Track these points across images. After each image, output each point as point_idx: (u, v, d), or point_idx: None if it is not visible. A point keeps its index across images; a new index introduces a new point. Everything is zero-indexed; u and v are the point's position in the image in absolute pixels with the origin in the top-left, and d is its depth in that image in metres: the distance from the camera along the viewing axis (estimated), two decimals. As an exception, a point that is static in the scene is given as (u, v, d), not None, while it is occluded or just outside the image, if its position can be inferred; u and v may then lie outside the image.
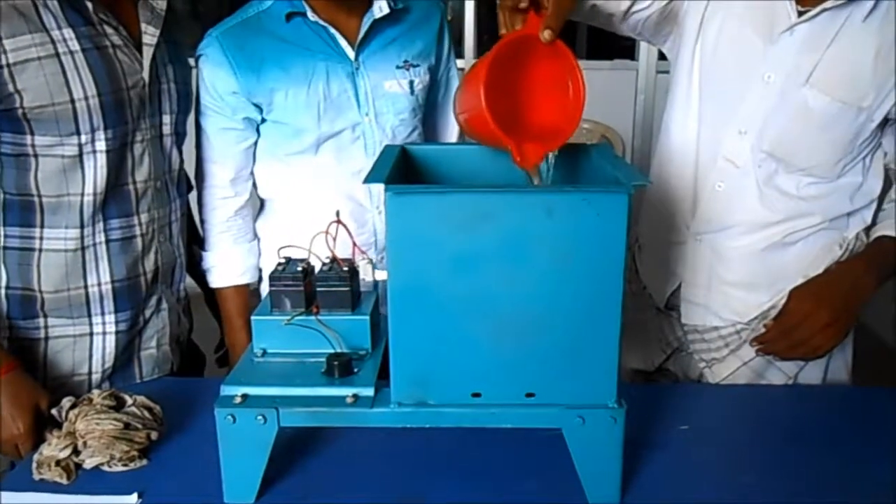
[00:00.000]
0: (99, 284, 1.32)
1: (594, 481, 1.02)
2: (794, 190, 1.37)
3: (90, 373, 1.35)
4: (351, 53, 1.46)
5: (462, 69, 4.38)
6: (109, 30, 1.26)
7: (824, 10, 1.27)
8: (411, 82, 1.52)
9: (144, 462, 1.13)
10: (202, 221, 1.56)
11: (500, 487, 1.08)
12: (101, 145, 1.26)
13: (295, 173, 1.52)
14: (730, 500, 1.07)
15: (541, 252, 0.94)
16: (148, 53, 1.32)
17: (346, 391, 1.02)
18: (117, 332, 1.36)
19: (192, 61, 1.50)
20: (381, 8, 1.47)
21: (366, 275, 1.12)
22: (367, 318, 1.10)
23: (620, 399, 1.00)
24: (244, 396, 1.01)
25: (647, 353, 1.59)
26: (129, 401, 1.18)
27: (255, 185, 1.59)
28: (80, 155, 1.25)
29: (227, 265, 1.57)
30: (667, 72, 1.56)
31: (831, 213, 1.39)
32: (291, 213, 1.56)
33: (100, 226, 1.30)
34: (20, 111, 1.19)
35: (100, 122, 1.24)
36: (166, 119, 1.38)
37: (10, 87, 1.17)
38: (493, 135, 1.04)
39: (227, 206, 1.55)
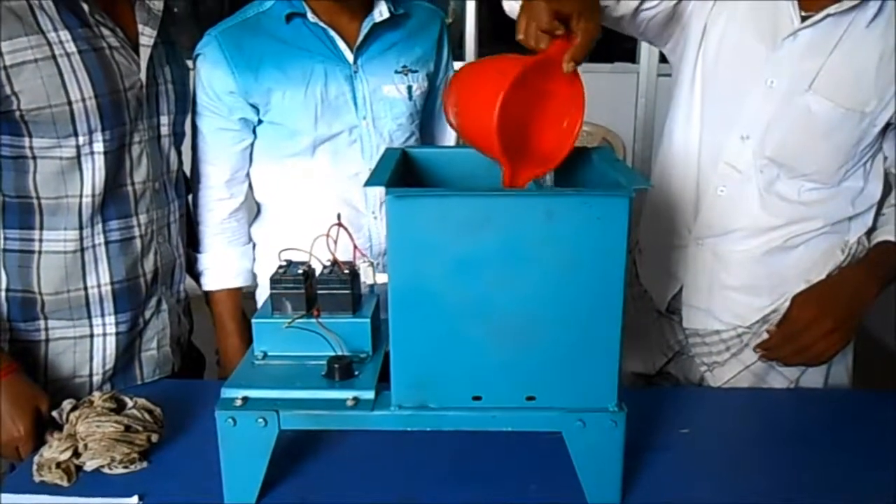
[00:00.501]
0: (98, 286, 1.32)
1: (595, 485, 1.02)
2: (796, 195, 1.37)
3: (91, 374, 1.35)
4: (350, 56, 1.46)
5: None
6: (106, 31, 1.26)
7: (828, 15, 1.27)
8: (409, 87, 1.52)
9: (145, 464, 1.13)
10: (196, 223, 1.56)
11: (501, 491, 1.08)
12: (98, 147, 1.26)
13: (291, 176, 1.52)
14: (730, 504, 1.07)
15: (541, 255, 0.94)
16: (145, 54, 1.32)
17: (347, 394, 1.02)
18: (117, 334, 1.36)
19: (190, 63, 1.50)
20: (381, 12, 1.47)
21: (366, 278, 1.12)
22: (368, 321, 1.10)
23: (621, 402, 1.00)
24: (245, 399, 1.01)
25: (648, 356, 1.59)
26: (130, 403, 1.18)
27: (251, 187, 1.59)
28: (79, 156, 1.25)
29: (220, 268, 1.56)
30: (668, 75, 1.56)
31: (833, 217, 1.39)
32: (286, 217, 1.56)
33: (99, 227, 1.30)
34: (17, 113, 1.19)
35: (97, 124, 1.24)
36: (164, 120, 1.38)
37: (7, 90, 1.17)
38: (492, 152, 1.04)
39: (221, 208, 1.54)
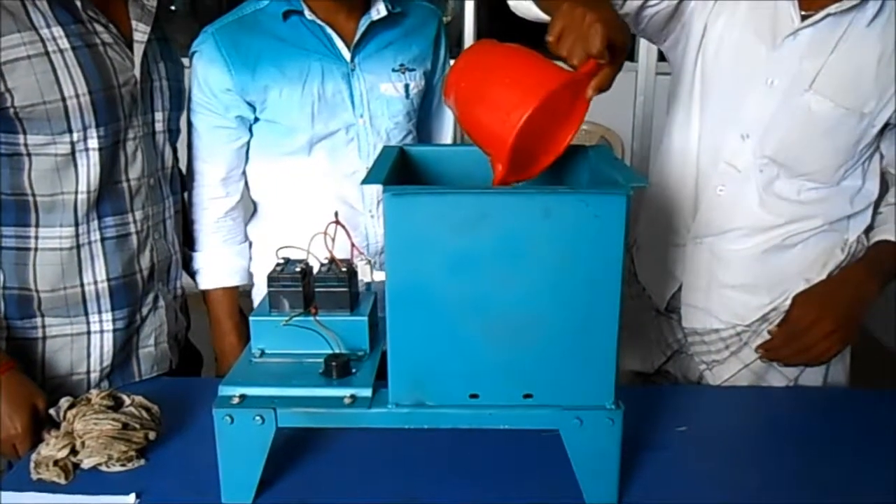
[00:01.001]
0: (95, 283, 1.32)
1: (592, 482, 1.02)
2: (795, 195, 1.37)
3: (89, 371, 1.35)
4: (347, 54, 1.46)
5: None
6: (99, 27, 1.26)
7: (828, 14, 1.27)
8: (406, 86, 1.52)
9: (142, 462, 1.13)
10: (192, 221, 1.56)
11: (498, 488, 1.08)
12: (93, 143, 1.26)
13: (287, 174, 1.51)
14: (728, 502, 1.07)
15: (539, 253, 0.94)
16: (139, 50, 1.31)
17: (344, 392, 1.02)
18: (115, 331, 1.36)
19: (186, 61, 1.50)
20: (378, 10, 1.47)
21: (364, 276, 1.12)
22: (366, 318, 1.10)
23: (618, 400, 1.00)
24: (242, 397, 1.01)
25: (647, 355, 1.59)
26: (127, 401, 1.18)
27: (247, 186, 1.59)
28: (73, 153, 1.25)
29: (216, 267, 1.56)
30: (667, 73, 1.56)
31: (832, 216, 1.39)
32: (283, 215, 1.55)
33: (94, 224, 1.30)
34: (11, 110, 1.19)
35: (91, 120, 1.24)
36: (159, 116, 1.38)
37: (1, 87, 1.17)
38: (496, 153, 1.02)
39: (217, 207, 1.54)
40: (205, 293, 1.58)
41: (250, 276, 1.63)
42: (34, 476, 1.09)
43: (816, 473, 1.13)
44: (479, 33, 3.89)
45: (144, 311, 1.41)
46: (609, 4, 1.04)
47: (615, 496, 1.03)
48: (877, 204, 1.43)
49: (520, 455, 1.14)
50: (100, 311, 1.34)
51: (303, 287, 1.09)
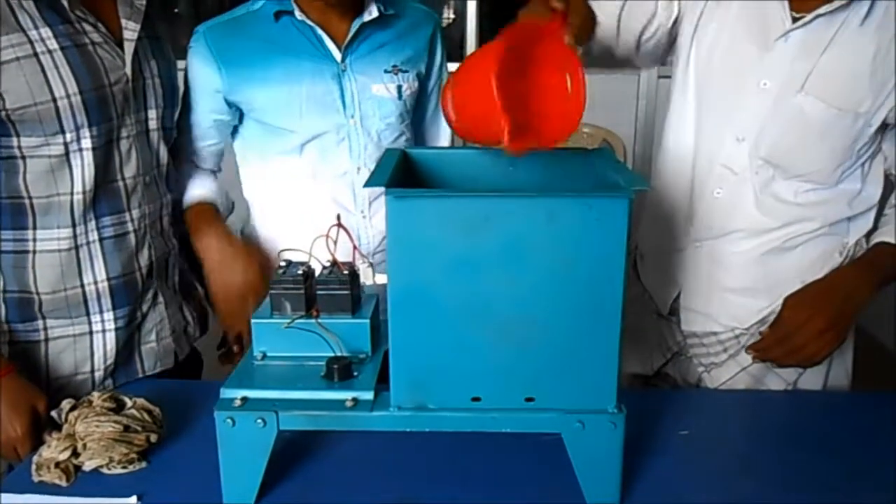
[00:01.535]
0: (95, 283, 1.32)
1: (594, 486, 1.02)
2: (792, 196, 1.37)
3: (93, 371, 1.35)
4: (338, 55, 1.46)
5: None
6: (88, 27, 1.26)
7: (819, 15, 1.27)
8: (399, 87, 1.52)
9: (144, 464, 1.13)
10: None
11: (500, 492, 1.08)
12: (86, 143, 1.26)
13: (278, 175, 1.52)
14: (730, 507, 1.07)
15: (541, 256, 0.94)
16: (129, 49, 1.31)
17: (346, 395, 1.02)
18: (116, 329, 1.36)
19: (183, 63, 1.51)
20: (370, 12, 1.47)
21: (366, 278, 1.12)
22: (367, 321, 1.10)
23: (620, 404, 1.00)
24: (244, 399, 1.01)
25: (647, 357, 1.59)
26: (129, 403, 1.18)
27: (240, 186, 1.60)
28: (67, 154, 1.25)
29: (193, 186, 1.54)
30: (669, 77, 1.56)
31: (830, 218, 1.38)
32: (276, 216, 1.56)
33: (92, 224, 1.30)
34: (3, 113, 1.19)
35: (84, 120, 1.24)
36: (152, 114, 1.38)
37: None
38: (491, 110, 0.99)
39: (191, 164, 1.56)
40: (186, 218, 1.53)
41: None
42: (35, 478, 1.09)
43: (819, 478, 1.12)
44: (482, 34, 3.89)
45: (145, 307, 1.41)
46: None
47: (617, 499, 1.03)
48: (881, 207, 1.42)
49: (521, 458, 1.14)
50: (101, 311, 1.34)
51: (305, 290, 1.09)
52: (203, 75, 1.47)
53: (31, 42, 1.20)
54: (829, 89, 1.29)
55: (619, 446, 1.00)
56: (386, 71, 1.51)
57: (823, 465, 1.15)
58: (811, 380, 1.45)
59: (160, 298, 1.43)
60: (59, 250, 1.28)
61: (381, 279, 1.07)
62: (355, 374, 1.06)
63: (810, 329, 1.33)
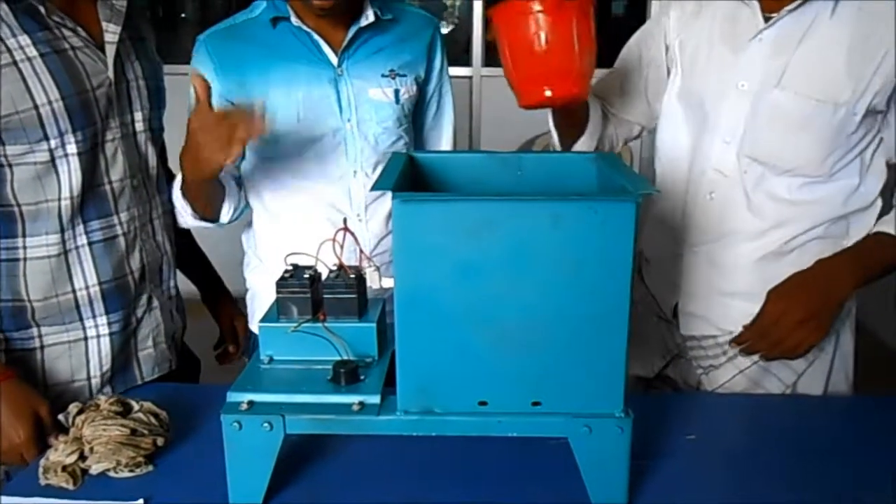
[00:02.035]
0: (87, 287, 1.32)
1: (601, 490, 1.02)
2: (786, 193, 1.37)
3: (89, 377, 1.35)
4: (334, 59, 1.46)
5: (469, 77, 4.38)
6: (67, 32, 1.26)
7: (788, 12, 1.31)
8: (396, 91, 1.52)
9: (150, 468, 1.13)
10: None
11: (506, 496, 1.08)
12: (71, 148, 1.26)
13: (275, 178, 1.51)
14: (737, 511, 1.07)
15: (547, 260, 0.94)
16: (110, 51, 1.31)
17: (353, 399, 1.02)
18: (111, 334, 1.36)
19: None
20: (367, 17, 1.47)
21: (372, 282, 1.12)
22: (374, 325, 1.10)
23: (627, 408, 1.00)
24: (250, 403, 1.01)
25: (648, 359, 1.60)
26: (136, 407, 1.18)
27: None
28: (53, 160, 1.25)
29: None
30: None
31: (825, 215, 1.38)
32: (273, 220, 1.55)
33: (80, 228, 1.30)
34: None
35: (67, 126, 1.24)
36: (138, 116, 1.38)
37: None
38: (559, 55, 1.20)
39: None
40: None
41: (244, 280, 1.63)
42: (42, 481, 1.09)
43: (825, 482, 1.12)
44: (488, 40, 3.89)
45: (139, 312, 1.41)
46: None
47: (624, 503, 1.03)
48: (888, 203, 1.42)
49: (528, 462, 1.14)
50: (94, 316, 1.34)
51: (311, 293, 1.09)
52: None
53: (9, 51, 1.20)
54: (806, 82, 1.31)
55: (626, 450, 1.00)
56: (383, 75, 1.51)
57: (830, 469, 1.15)
58: (811, 384, 1.45)
59: (155, 303, 1.43)
60: (49, 256, 1.28)
61: (388, 283, 1.07)
62: (362, 377, 1.06)
63: (788, 320, 1.34)
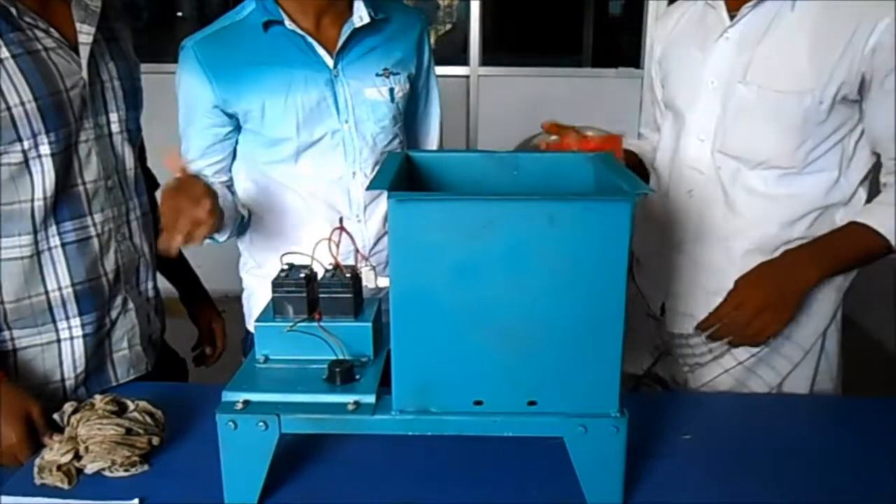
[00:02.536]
0: (59, 289, 1.31)
1: (596, 490, 1.02)
2: (762, 186, 1.38)
3: (63, 379, 1.35)
4: (329, 61, 1.45)
5: (466, 76, 4.37)
6: (40, 33, 1.25)
7: (750, 9, 1.35)
8: (391, 90, 1.51)
9: (146, 467, 1.13)
10: None
11: (501, 495, 1.08)
12: (45, 149, 1.25)
13: (274, 182, 1.50)
14: (732, 511, 1.07)
15: (543, 260, 0.94)
16: (84, 52, 1.30)
17: (348, 398, 1.02)
18: (84, 336, 1.35)
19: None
20: (361, 17, 1.45)
21: (368, 282, 1.12)
22: (370, 325, 1.10)
23: (623, 408, 1.00)
24: (246, 402, 1.01)
25: (637, 356, 1.61)
26: (131, 406, 1.18)
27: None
28: (26, 161, 1.24)
29: None
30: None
31: (804, 209, 1.39)
32: (269, 222, 1.54)
33: (52, 229, 1.30)
34: None
35: (40, 127, 1.24)
36: (113, 117, 1.37)
37: None
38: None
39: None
40: None
41: (240, 280, 1.63)
42: (38, 480, 1.09)
43: (821, 482, 1.12)
44: (485, 39, 3.89)
45: (114, 314, 1.40)
46: None
47: (619, 502, 1.03)
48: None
49: (523, 461, 1.14)
50: (67, 318, 1.33)
51: (307, 293, 1.09)
52: (197, 92, 1.43)
53: None
54: (768, 75, 1.34)
55: (622, 450, 1.00)
56: (377, 74, 1.50)
57: (825, 469, 1.15)
58: (797, 385, 1.46)
59: (130, 305, 1.42)
60: (22, 258, 1.28)
61: (383, 282, 1.07)
62: (357, 377, 1.06)
63: (750, 307, 1.35)
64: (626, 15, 4.91)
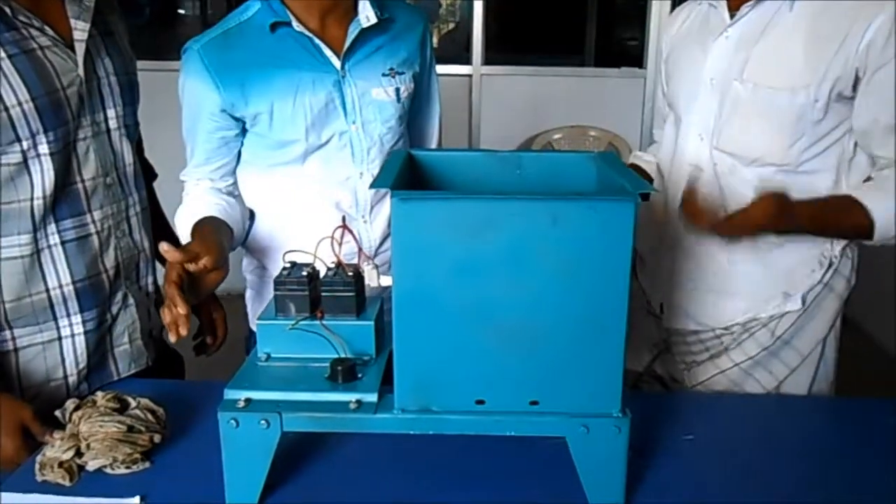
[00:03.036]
0: (60, 286, 1.31)
1: (597, 489, 1.02)
2: (758, 183, 1.38)
3: (66, 376, 1.35)
4: (336, 63, 1.44)
5: (469, 75, 4.37)
6: (35, 31, 1.25)
7: (750, 8, 1.36)
8: (397, 90, 1.50)
9: (147, 465, 1.13)
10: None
11: (503, 494, 1.08)
12: (44, 148, 1.25)
13: (280, 183, 1.50)
14: (734, 512, 1.07)
15: (546, 259, 0.94)
16: (80, 49, 1.29)
17: (350, 397, 1.02)
18: (86, 332, 1.35)
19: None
20: (367, 17, 1.44)
21: (371, 280, 1.12)
22: (372, 323, 1.10)
23: (625, 408, 1.00)
24: (248, 401, 1.01)
25: (637, 353, 1.62)
26: (133, 403, 1.18)
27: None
28: (25, 161, 1.24)
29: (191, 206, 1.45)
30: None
31: None
32: (277, 223, 1.54)
33: (52, 227, 1.29)
34: None
35: (39, 126, 1.23)
36: (111, 113, 1.36)
37: None
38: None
39: (196, 190, 1.50)
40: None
41: (244, 279, 1.62)
42: (39, 477, 1.09)
43: (823, 483, 1.12)
44: (488, 38, 3.89)
45: (114, 309, 1.40)
46: None
47: (621, 502, 1.03)
48: None
49: (525, 461, 1.14)
50: (68, 315, 1.33)
51: (309, 291, 1.09)
52: (203, 96, 1.42)
53: None
54: (763, 72, 1.35)
55: (624, 450, 1.00)
56: (384, 74, 1.50)
57: (826, 470, 1.15)
58: (794, 388, 1.46)
59: (130, 300, 1.42)
60: (22, 256, 1.27)
61: (386, 281, 1.07)
62: (359, 375, 1.06)
63: (710, 217, 1.33)
64: (629, 14, 4.92)
